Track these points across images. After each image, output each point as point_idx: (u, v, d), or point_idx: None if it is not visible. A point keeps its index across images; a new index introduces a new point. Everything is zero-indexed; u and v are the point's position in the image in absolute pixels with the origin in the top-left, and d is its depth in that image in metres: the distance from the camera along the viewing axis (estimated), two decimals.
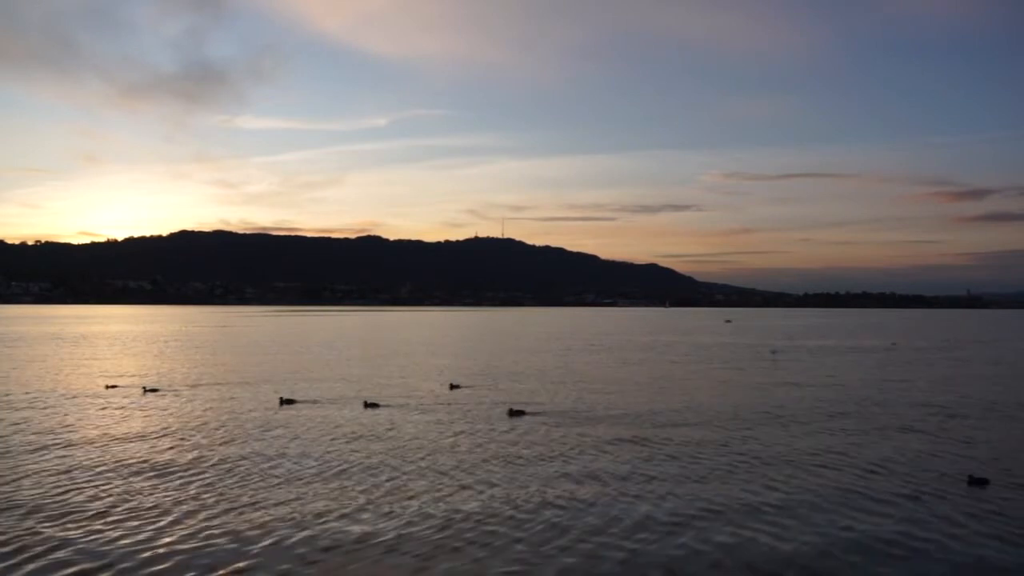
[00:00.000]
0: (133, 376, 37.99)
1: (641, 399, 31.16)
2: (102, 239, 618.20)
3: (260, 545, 12.61)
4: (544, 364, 48.50)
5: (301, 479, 17.00)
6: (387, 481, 16.94)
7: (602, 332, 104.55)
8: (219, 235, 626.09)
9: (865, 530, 13.61)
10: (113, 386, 32.37)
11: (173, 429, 23.14)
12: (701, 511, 14.75)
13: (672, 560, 12.18)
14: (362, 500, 15.36)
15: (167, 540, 12.77)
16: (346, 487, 16.39)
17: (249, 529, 13.38)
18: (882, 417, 26.54)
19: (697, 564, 12.02)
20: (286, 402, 29.10)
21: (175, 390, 32.71)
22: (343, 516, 14.25)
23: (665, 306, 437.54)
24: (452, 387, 33.82)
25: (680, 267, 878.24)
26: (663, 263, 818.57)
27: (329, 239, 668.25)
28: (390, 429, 23.56)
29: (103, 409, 27.23)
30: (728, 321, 68.42)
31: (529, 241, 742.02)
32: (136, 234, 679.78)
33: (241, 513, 14.34)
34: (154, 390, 32.08)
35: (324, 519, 14.04)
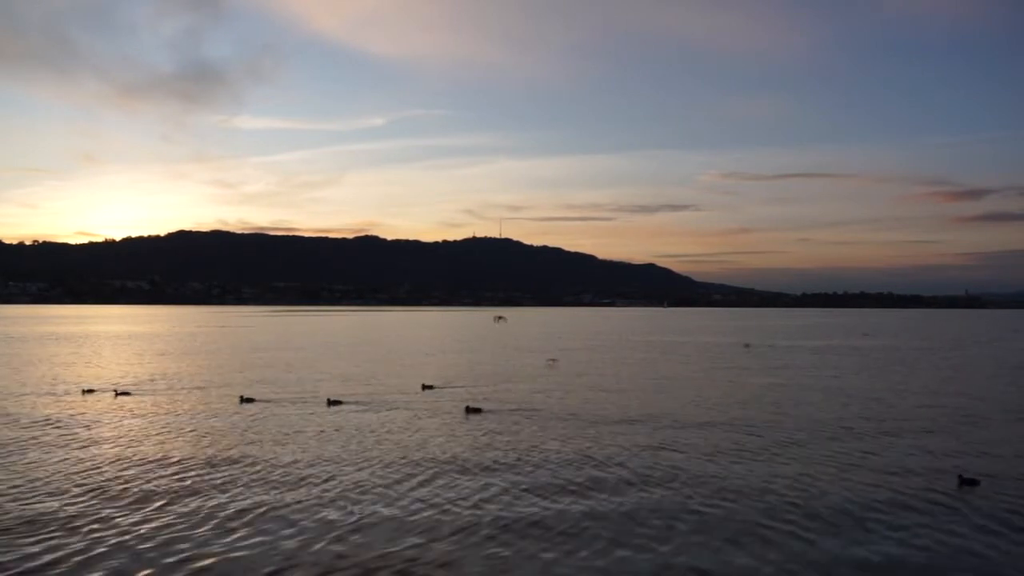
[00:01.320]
0: (110, 379, 37.83)
1: (611, 400, 31.31)
2: (100, 239, 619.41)
3: (195, 543, 12.75)
4: (523, 364, 48.62)
5: (238, 479, 17.11)
6: (321, 477, 17.11)
7: (599, 332, 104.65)
8: (217, 235, 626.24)
9: (853, 528, 13.76)
10: (90, 390, 32.09)
11: (134, 433, 23.04)
12: (643, 510, 14.92)
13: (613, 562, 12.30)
14: (294, 497, 15.50)
15: (99, 550, 12.87)
16: (281, 484, 16.55)
17: (185, 530, 13.50)
18: (878, 417, 26.65)
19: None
20: (246, 400, 29.24)
21: (147, 393, 32.61)
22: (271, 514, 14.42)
23: (664, 306, 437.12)
24: (424, 387, 33.79)
25: (678, 267, 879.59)
26: (661, 263, 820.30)
27: (327, 239, 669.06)
28: (342, 426, 23.79)
29: (72, 413, 27.22)
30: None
31: (527, 241, 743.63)
32: (134, 234, 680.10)
33: (181, 512, 14.44)
34: (126, 393, 32.00)
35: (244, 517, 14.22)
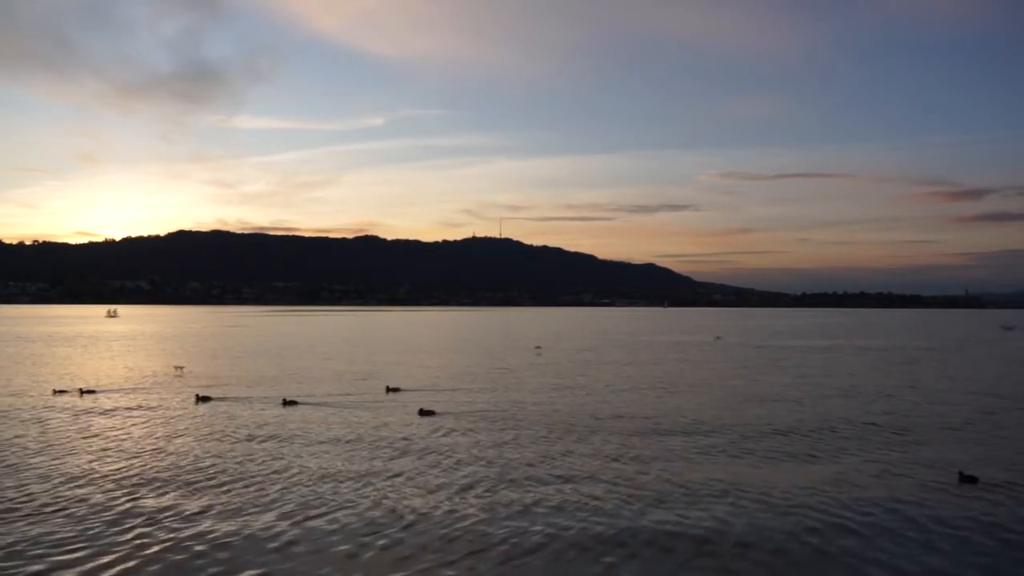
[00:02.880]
0: (82, 379, 37.61)
1: (576, 402, 31.26)
2: (100, 239, 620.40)
3: (130, 542, 12.78)
4: (501, 366, 48.58)
5: (178, 478, 17.15)
6: (259, 476, 17.15)
7: (600, 331, 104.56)
8: (217, 235, 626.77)
9: (852, 521, 14.03)
10: (62, 391, 32.06)
11: (94, 431, 23.05)
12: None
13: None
14: (230, 495, 15.56)
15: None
16: (219, 484, 16.60)
17: (121, 530, 13.47)
18: (877, 414, 26.77)
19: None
20: (202, 400, 29.24)
21: (111, 392, 32.56)
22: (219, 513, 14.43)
23: (664, 306, 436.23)
24: (389, 390, 33.46)
25: (678, 267, 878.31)
26: (661, 263, 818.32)
27: (327, 239, 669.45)
28: (292, 426, 23.82)
29: (33, 412, 27.28)
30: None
31: (527, 241, 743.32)
32: (134, 234, 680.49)
33: (105, 513, 14.42)
34: (91, 392, 31.98)
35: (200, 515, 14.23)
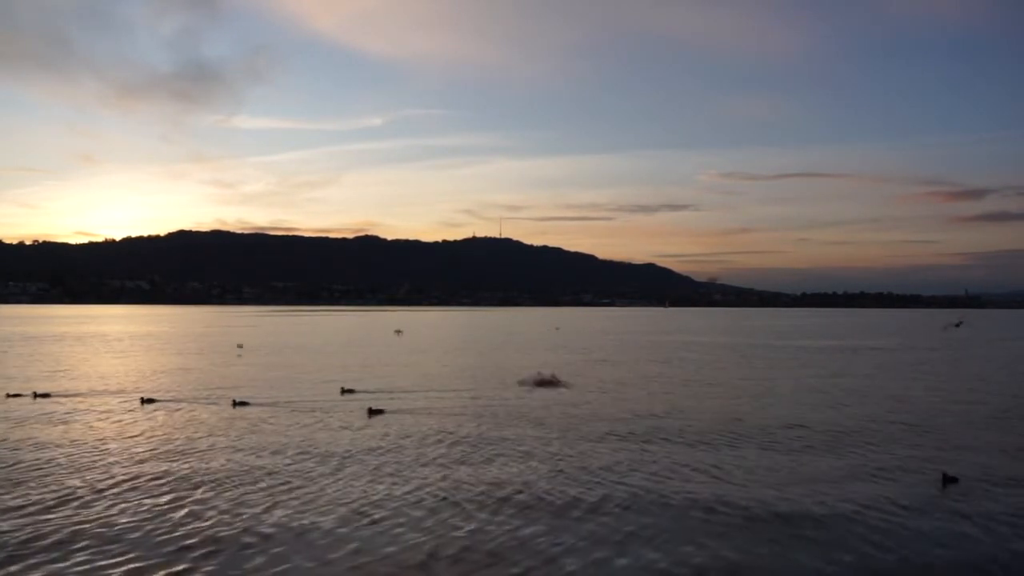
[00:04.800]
0: (37, 381, 36.58)
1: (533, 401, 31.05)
2: (99, 239, 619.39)
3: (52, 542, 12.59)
4: (472, 365, 48.40)
5: (110, 479, 16.99)
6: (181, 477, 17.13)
7: (603, 331, 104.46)
8: (216, 235, 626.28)
9: (835, 522, 14.03)
10: (16, 395, 31.12)
11: (35, 436, 22.37)
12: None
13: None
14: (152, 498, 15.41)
15: None
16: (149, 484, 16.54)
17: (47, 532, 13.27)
18: (863, 416, 26.62)
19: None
20: (147, 401, 28.96)
21: (65, 395, 31.67)
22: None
23: (665, 306, 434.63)
24: (343, 391, 32.35)
25: (678, 267, 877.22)
26: (661, 263, 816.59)
27: (327, 239, 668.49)
28: (229, 427, 23.75)
29: None
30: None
31: (527, 241, 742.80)
32: (134, 234, 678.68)
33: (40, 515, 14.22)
34: (46, 395, 31.12)
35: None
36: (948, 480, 16.99)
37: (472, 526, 13.72)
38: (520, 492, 16.05)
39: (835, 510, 14.89)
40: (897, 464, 18.96)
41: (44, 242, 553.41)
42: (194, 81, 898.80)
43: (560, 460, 19.16)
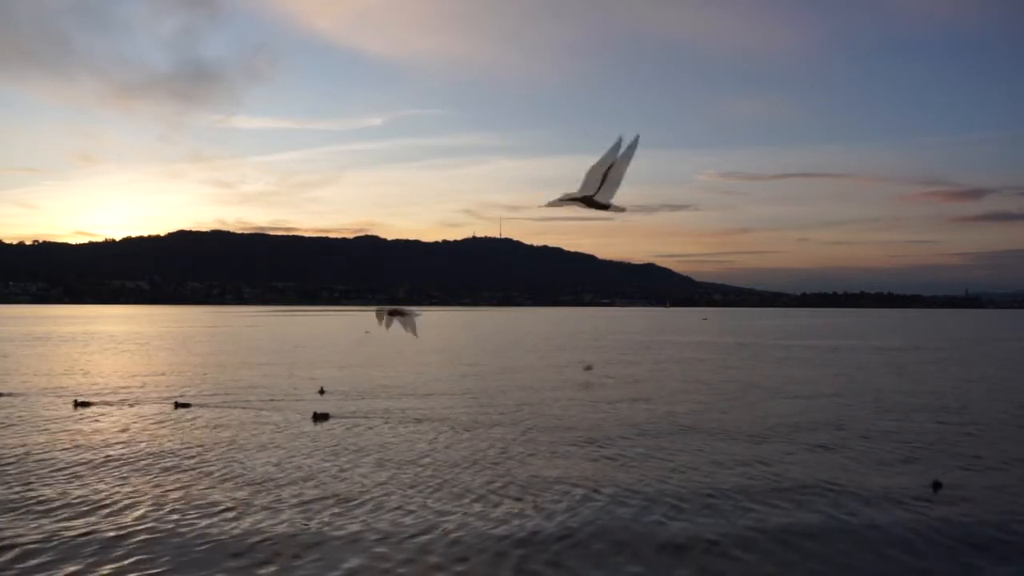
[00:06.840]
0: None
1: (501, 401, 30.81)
2: (99, 239, 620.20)
3: None
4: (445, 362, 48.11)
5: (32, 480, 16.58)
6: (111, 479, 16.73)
7: (607, 331, 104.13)
8: (216, 235, 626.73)
9: (813, 527, 13.81)
10: (84, 403, 30.81)
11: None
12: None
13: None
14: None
15: None
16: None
17: None
18: (854, 419, 26.16)
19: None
20: (81, 404, 28.03)
21: (19, 394, 30.94)
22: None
23: (666, 306, 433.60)
24: (321, 392, 31.45)
25: (677, 267, 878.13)
26: (661, 263, 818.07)
27: (327, 239, 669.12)
28: (157, 428, 23.31)
29: None
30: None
31: (527, 241, 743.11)
32: (134, 234, 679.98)
33: None
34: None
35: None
36: (934, 486, 16.68)
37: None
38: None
39: (826, 515, 14.62)
40: (885, 467, 18.66)
41: (44, 242, 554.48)
42: (193, 81, 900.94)
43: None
